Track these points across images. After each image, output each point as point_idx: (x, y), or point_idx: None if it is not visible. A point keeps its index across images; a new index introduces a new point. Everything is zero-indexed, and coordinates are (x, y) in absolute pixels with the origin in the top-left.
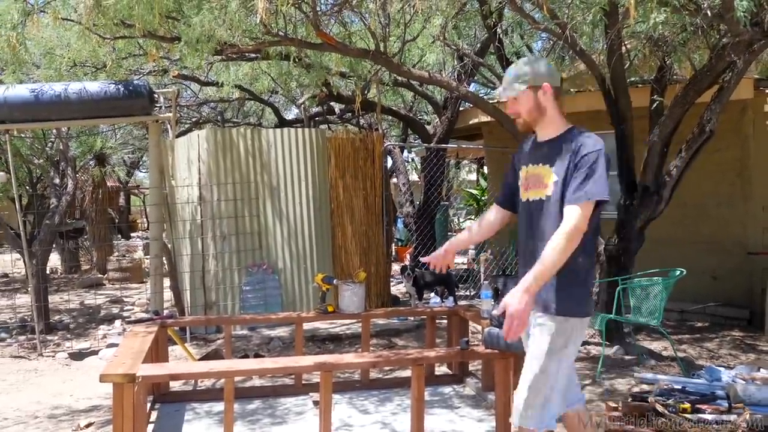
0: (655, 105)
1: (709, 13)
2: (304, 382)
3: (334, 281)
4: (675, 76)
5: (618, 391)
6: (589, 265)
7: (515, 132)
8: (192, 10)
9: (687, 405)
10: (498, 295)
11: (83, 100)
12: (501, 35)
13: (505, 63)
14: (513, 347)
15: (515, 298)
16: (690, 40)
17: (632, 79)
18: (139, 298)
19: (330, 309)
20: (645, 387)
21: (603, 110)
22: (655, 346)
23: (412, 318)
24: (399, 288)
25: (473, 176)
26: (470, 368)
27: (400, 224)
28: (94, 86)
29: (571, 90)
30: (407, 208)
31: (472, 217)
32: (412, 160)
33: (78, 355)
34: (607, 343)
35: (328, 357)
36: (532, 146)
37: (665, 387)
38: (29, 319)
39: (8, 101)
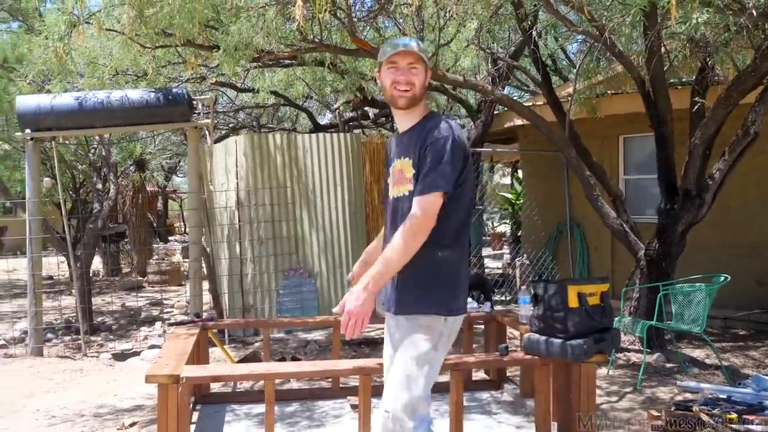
0: (696, 107)
1: (754, 12)
2: (341, 385)
3: None
4: (716, 77)
5: (660, 400)
6: (456, 260)
7: (551, 134)
8: (230, 18)
9: (733, 415)
10: (537, 301)
11: (125, 108)
12: (536, 38)
13: (541, 66)
14: (554, 353)
15: (353, 296)
16: (733, 39)
17: (671, 80)
18: (178, 301)
19: None
20: (688, 396)
21: (641, 112)
22: (698, 353)
23: None
24: None
25: (506, 180)
26: (508, 374)
27: None
28: (135, 94)
29: (608, 92)
30: None
31: (507, 221)
32: None
33: (121, 356)
34: (648, 350)
35: (366, 361)
36: (398, 139)
37: (710, 396)
38: (74, 321)
39: (55, 109)
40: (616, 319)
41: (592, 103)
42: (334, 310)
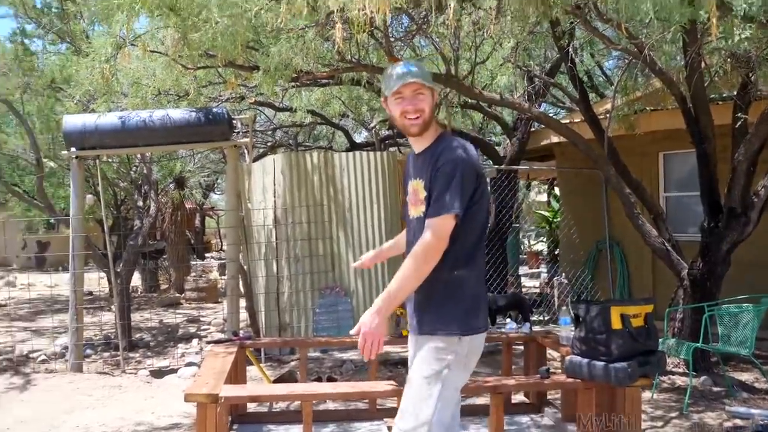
0: (739, 123)
1: None
2: (378, 407)
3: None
4: (759, 92)
5: (708, 426)
6: (472, 279)
7: (589, 152)
8: (270, 40)
9: None
10: (579, 322)
11: (167, 127)
12: (572, 55)
13: (578, 83)
14: (597, 376)
15: (367, 318)
16: None
17: (712, 96)
18: (215, 318)
19: (405, 333)
20: (738, 422)
21: (681, 129)
22: (747, 377)
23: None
24: None
25: (541, 197)
26: (548, 397)
27: None
28: (176, 113)
29: (647, 108)
30: None
31: (543, 239)
32: None
33: (158, 373)
34: (694, 373)
35: None
36: (413, 159)
37: (762, 423)
38: (113, 337)
39: (99, 128)
40: (660, 340)
41: (630, 120)
42: (351, 332)
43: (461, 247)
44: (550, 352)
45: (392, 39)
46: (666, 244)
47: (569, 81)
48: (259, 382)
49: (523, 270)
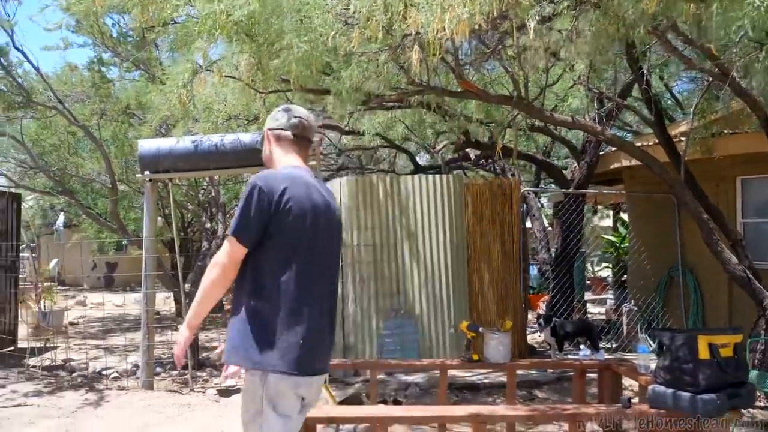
0: None
1: None
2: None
3: (480, 329)
4: None
5: None
6: (269, 312)
7: (665, 175)
8: (341, 65)
9: None
10: (663, 351)
11: (237, 150)
12: (648, 77)
13: (654, 105)
14: (682, 407)
15: (180, 330)
16: None
17: None
18: None
19: (475, 357)
20: None
21: (761, 152)
22: None
23: (551, 369)
24: (533, 337)
25: (604, 222)
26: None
27: (533, 271)
28: (247, 137)
29: (726, 132)
30: (543, 255)
31: (609, 264)
32: (542, 206)
33: (225, 392)
34: None
35: (481, 408)
36: None
37: None
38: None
39: (173, 152)
40: None
41: (707, 143)
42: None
43: (260, 277)
44: (625, 381)
45: (462, 62)
46: (747, 272)
47: (641, 104)
48: (325, 404)
49: (587, 296)
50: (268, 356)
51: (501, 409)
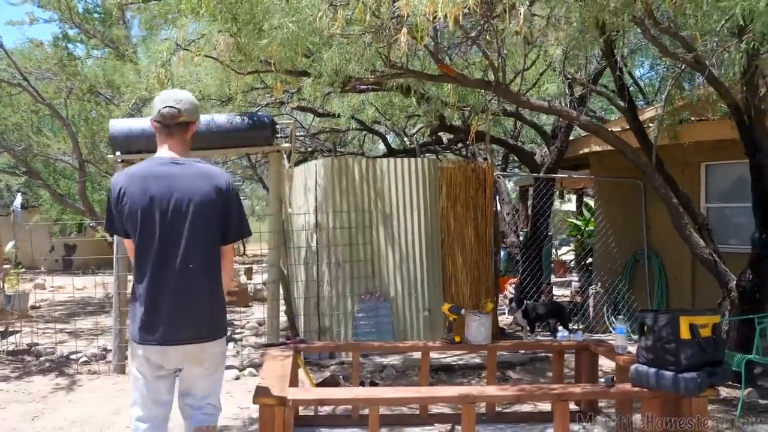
0: None
1: None
2: (429, 412)
3: (462, 311)
4: None
5: None
6: (140, 291)
7: (638, 161)
8: (322, 47)
9: None
10: (645, 331)
11: (212, 131)
12: (621, 63)
13: (627, 92)
14: (665, 386)
15: None
16: None
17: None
18: (248, 322)
19: (457, 339)
20: None
21: (726, 140)
22: None
23: (522, 351)
24: (501, 319)
25: (567, 206)
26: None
27: (503, 254)
28: (221, 118)
29: (692, 119)
30: (512, 238)
31: (572, 248)
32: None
33: None
34: (747, 385)
35: (470, 389)
36: None
37: None
38: None
39: (146, 132)
40: None
41: (675, 130)
42: None
43: (134, 261)
44: (602, 361)
45: (440, 46)
46: (713, 255)
47: (610, 91)
48: (302, 385)
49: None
50: (131, 329)
51: (491, 389)
